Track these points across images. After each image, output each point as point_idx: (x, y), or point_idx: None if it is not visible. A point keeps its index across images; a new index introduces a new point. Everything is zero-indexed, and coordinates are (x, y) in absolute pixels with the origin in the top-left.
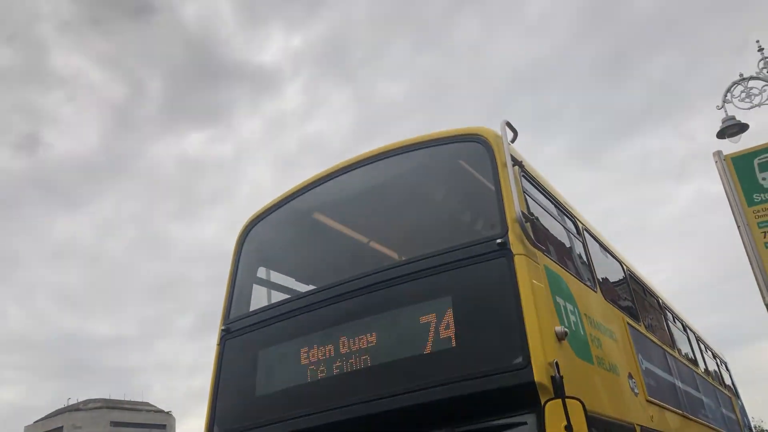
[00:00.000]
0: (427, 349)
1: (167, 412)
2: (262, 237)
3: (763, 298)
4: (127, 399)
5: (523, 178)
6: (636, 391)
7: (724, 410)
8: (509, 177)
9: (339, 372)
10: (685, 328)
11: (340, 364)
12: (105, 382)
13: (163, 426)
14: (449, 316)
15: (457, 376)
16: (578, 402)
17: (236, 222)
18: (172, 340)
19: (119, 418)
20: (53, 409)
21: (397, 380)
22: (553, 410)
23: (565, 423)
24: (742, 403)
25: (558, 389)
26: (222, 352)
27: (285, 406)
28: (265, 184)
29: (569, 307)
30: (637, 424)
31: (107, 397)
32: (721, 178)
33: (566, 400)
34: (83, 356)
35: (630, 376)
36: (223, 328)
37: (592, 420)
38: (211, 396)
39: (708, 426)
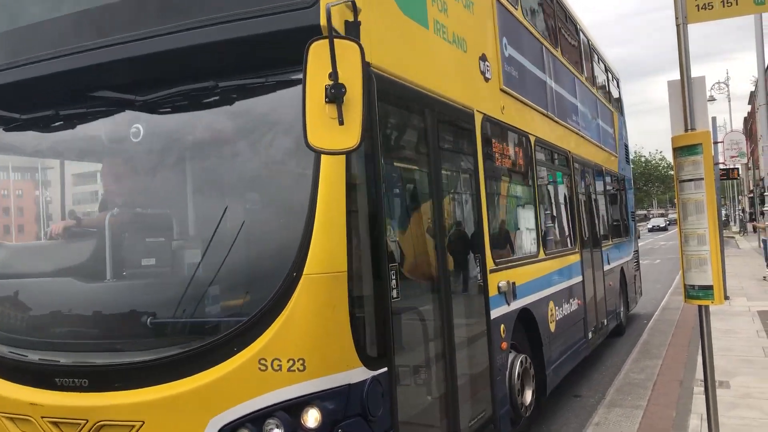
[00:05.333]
0: None
1: None
2: None
3: (676, 18)
4: None
5: None
6: (488, 76)
7: (601, 122)
8: None
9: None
10: (577, 31)
11: None
12: None
13: None
14: None
15: (227, 15)
16: (354, 44)
17: None
18: None
19: None
20: None
21: (159, 16)
22: (317, 54)
23: (329, 71)
24: (623, 120)
25: (334, 31)
26: None
27: (34, 43)
28: None
29: None
30: (479, 111)
31: None
32: None
33: (335, 40)
34: None
35: (483, 58)
36: None
37: (415, 93)
38: None
39: (577, 133)
